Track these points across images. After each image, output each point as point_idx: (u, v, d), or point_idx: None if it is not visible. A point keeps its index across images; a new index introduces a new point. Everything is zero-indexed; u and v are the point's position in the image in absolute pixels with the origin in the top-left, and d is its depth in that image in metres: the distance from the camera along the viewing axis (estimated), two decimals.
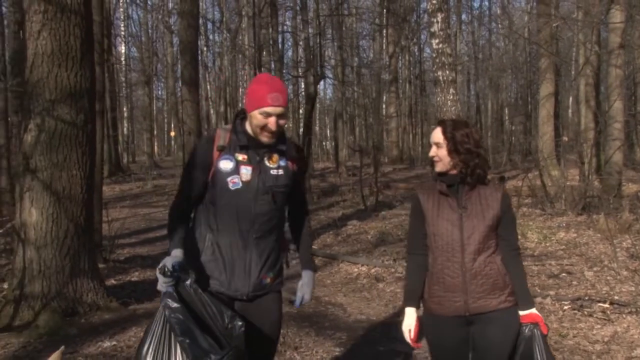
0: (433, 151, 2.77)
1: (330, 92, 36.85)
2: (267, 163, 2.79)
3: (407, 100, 34.89)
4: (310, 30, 17.65)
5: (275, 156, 2.81)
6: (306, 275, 3.01)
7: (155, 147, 44.01)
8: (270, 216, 2.82)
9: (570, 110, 27.89)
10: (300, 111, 36.63)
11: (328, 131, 45.26)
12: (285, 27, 31.61)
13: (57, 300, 5.46)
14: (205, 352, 2.40)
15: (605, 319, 5.39)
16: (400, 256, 8.57)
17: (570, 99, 26.89)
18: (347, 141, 31.55)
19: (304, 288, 2.97)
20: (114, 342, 5.07)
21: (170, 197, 18.41)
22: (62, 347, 3.04)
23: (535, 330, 2.66)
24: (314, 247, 9.54)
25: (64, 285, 5.50)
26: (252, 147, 2.77)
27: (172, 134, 45.96)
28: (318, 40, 16.10)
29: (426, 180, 19.91)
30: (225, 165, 2.74)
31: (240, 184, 2.73)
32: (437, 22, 11.01)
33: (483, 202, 2.69)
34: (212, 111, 40.15)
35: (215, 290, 2.77)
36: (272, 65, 26.35)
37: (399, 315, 5.98)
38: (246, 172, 2.74)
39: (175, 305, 2.48)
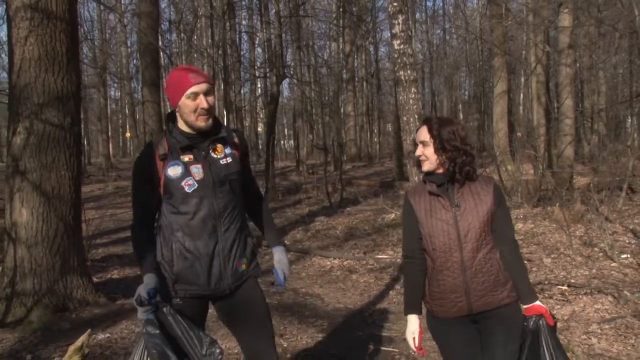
0: (419, 150, 2.72)
1: (287, 91, 37.10)
2: (213, 155, 2.78)
3: (364, 98, 35.45)
4: (272, 31, 17.91)
5: (220, 146, 2.81)
6: (277, 251, 3.01)
7: (110, 149, 43.52)
8: (233, 206, 2.81)
9: (522, 107, 28.81)
10: (259, 110, 37.01)
11: (286, 130, 45.54)
12: (242, 28, 31.74)
13: (48, 296, 5.65)
14: None
15: (564, 300, 5.87)
16: (370, 249, 8.98)
17: (522, 96, 27.79)
18: (307, 140, 31.85)
19: (280, 264, 2.97)
20: (108, 335, 5.30)
21: None
22: (89, 330, 3.30)
23: (541, 322, 2.63)
24: (286, 242, 9.87)
25: (55, 282, 5.69)
26: (194, 145, 2.75)
27: (128, 135, 45.50)
28: (280, 42, 16.35)
29: (385, 176, 20.43)
30: (174, 171, 2.71)
31: (196, 184, 2.71)
32: (399, 23, 11.41)
33: (476, 197, 2.65)
34: (166, 110, 39.89)
35: (197, 295, 2.77)
36: (230, 65, 26.50)
37: (375, 303, 6.44)
38: (197, 170, 2.72)
39: (153, 331, 2.47)
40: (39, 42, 5.65)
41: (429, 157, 2.68)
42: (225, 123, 2.81)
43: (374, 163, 29.34)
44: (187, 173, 2.70)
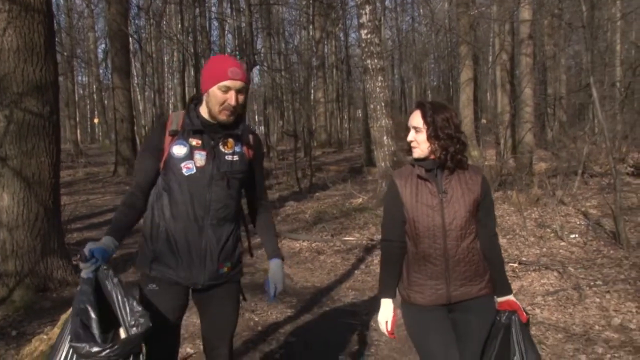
0: (411, 136, 2.63)
1: (257, 78, 37.22)
2: (221, 148, 2.73)
3: (334, 85, 35.76)
4: (242, 19, 18.11)
5: (231, 141, 2.75)
6: (274, 264, 2.96)
7: (78, 135, 43.16)
8: (226, 203, 2.75)
9: (488, 94, 29.44)
10: None
11: (257, 117, 45.68)
12: (212, 14, 31.72)
13: (29, 277, 5.92)
14: (89, 338, 2.28)
15: (514, 276, 6.34)
16: (337, 232, 9.37)
17: (488, 83, 28.39)
18: (278, 126, 32.10)
19: (275, 277, 2.92)
20: None
21: (106, 184, 18.64)
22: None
23: (514, 318, 2.61)
24: (284, 256, 10.22)
25: (36, 264, 5.96)
26: (206, 131, 2.71)
27: (96, 120, 45.14)
28: (250, 29, 16.59)
29: (355, 162, 20.84)
30: (179, 150, 2.68)
31: (195, 170, 2.68)
32: (366, 13, 11.87)
33: (464, 186, 2.60)
34: (139, 97, 39.76)
35: (171, 280, 2.73)
36: (201, 52, 26.55)
37: (341, 281, 6.83)
38: (200, 157, 2.69)
39: (87, 289, 2.40)
40: (17, 34, 5.86)
41: (420, 143, 2.60)
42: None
43: (344, 149, 29.75)
44: (190, 156, 2.68)
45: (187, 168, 2.67)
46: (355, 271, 7.24)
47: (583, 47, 13.22)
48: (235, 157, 2.76)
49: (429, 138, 2.58)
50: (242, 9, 18.19)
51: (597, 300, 5.47)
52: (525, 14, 12.93)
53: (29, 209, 5.92)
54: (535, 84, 17.12)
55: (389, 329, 2.71)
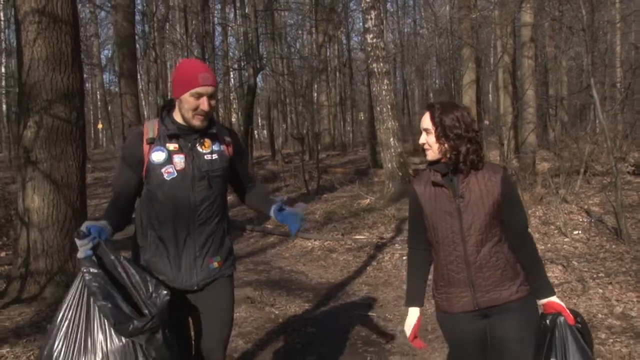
0: (422, 138, 2.59)
1: (261, 82, 37.55)
2: (199, 149, 2.76)
3: (337, 88, 36.06)
4: (248, 25, 18.45)
5: (207, 141, 2.79)
6: (299, 206, 3.01)
7: None
8: (211, 202, 2.78)
9: (490, 96, 29.70)
10: (232, 101, 37.41)
11: (260, 120, 45.98)
12: (215, 20, 32.08)
13: (59, 275, 6.21)
14: (127, 317, 2.35)
15: None
16: (348, 231, 9.67)
17: (491, 84, 28.67)
18: (282, 129, 32.43)
19: (297, 208, 2.96)
20: None
21: None
22: None
23: (559, 320, 2.45)
24: (268, 226, 10.53)
25: (65, 262, 6.25)
26: (182, 135, 2.74)
27: (100, 126, 45.46)
28: (256, 35, 16.91)
29: (360, 164, 21.13)
30: (158, 157, 2.71)
31: (176, 173, 2.71)
32: (371, 18, 12.19)
33: (482, 188, 2.50)
34: (143, 103, 40.12)
35: (167, 286, 2.67)
36: (206, 57, 26.87)
37: (354, 277, 7.13)
38: (180, 160, 2.72)
39: (95, 270, 2.40)
40: (46, 44, 6.17)
41: (431, 145, 2.54)
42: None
43: (347, 152, 29.99)
44: (169, 161, 2.71)
45: (168, 172, 2.71)
46: (367, 268, 7.54)
47: (584, 49, 13.52)
48: (215, 156, 2.80)
49: (438, 139, 2.51)
50: (247, 15, 18.50)
51: (600, 291, 5.76)
52: (527, 17, 13.24)
53: (58, 210, 6.22)
54: (537, 85, 17.41)
55: (411, 334, 2.69)
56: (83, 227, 2.49)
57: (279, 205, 2.98)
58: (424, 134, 2.58)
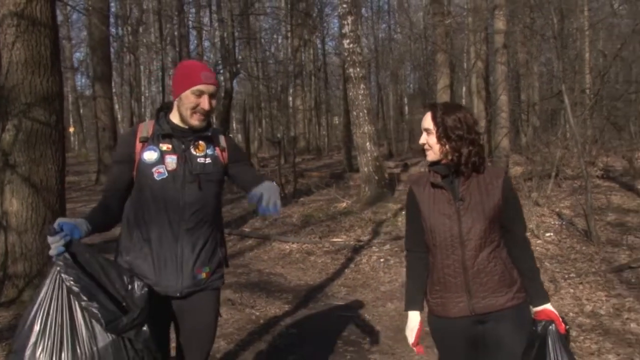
0: (423, 138, 2.53)
1: (236, 85, 37.50)
2: (193, 151, 2.71)
3: (312, 92, 36.21)
4: (224, 30, 18.48)
5: (202, 144, 2.73)
6: (267, 182, 2.64)
7: None
8: (201, 205, 2.70)
9: (464, 101, 30.07)
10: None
11: (234, 124, 45.90)
12: (190, 23, 32.02)
13: (38, 278, 6.17)
14: (115, 314, 2.31)
15: None
16: (325, 234, 9.77)
17: (464, 89, 29.06)
18: (258, 133, 32.44)
19: (262, 188, 2.56)
20: None
21: (89, 193, 18.82)
22: None
23: (551, 328, 2.42)
24: (245, 229, 10.59)
25: (44, 265, 6.21)
26: (176, 135, 2.70)
27: (71, 129, 44.96)
28: (232, 39, 16.96)
29: (335, 168, 21.27)
30: (150, 155, 2.66)
31: (166, 174, 2.65)
32: (348, 24, 12.34)
33: (483, 191, 2.45)
34: (117, 107, 39.79)
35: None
36: (179, 61, 26.79)
37: (332, 279, 7.22)
38: (171, 161, 2.66)
39: (72, 270, 2.32)
40: (25, 47, 6.16)
41: (432, 146, 2.49)
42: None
43: (323, 155, 30.17)
44: (161, 161, 2.66)
45: (159, 173, 2.65)
46: (346, 270, 7.64)
47: (554, 55, 13.82)
48: (208, 160, 2.73)
49: (439, 140, 2.45)
50: (224, 19, 18.55)
51: (572, 290, 5.94)
52: (500, 24, 13.52)
53: (37, 214, 6.21)
54: (510, 90, 17.73)
55: (413, 340, 2.63)
56: (55, 224, 2.40)
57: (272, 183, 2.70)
58: (424, 134, 2.52)
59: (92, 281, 2.35)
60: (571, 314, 5.35)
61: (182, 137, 2.71)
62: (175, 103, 2.71)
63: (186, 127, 2.70)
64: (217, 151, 2.78)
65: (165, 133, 2.70)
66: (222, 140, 2.83)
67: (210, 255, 2.76)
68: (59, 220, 2.43)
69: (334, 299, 6.44)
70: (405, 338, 2.67)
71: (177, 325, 2.80)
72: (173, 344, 2.84)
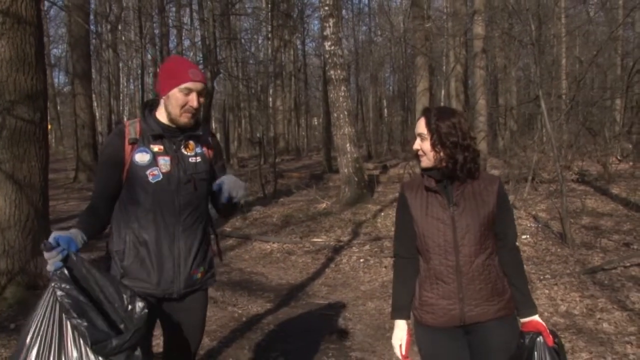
0: (417, 144, 2.48)
1: (215, 85, 37.39)
2: (184, 151, 2.69)
3: (292, 93, 36.32)
4: (205, 29, 18.51)
5: (192, 143, 2.72)
6: (227, 175, 2.73)
7: None
8: (195, 205, 2.70)
9: (443, 104, 30.36)
10: None
11: (213, 123, 45.81)
12: (170, 22, 31.93)
13: (20, 275, 6.20)
14: (105, 334, 2.20)
15: None
16: (305, 234, 9.87)
17: (443, 93, 29.34)
18: (237, 133, 32.45)
19: (230, 180, 2.64)
20: None
21: (68, 191, 18.70)
22: None
23: (539, 340, 2.37)
24: (226, 228, 10.64)
25: (27, 263, 6.24)
26: (166, 136, 2.66)
27: (49, 127, 44.51)
28: (214, 39, 17.00)
29: (315, 169, 21.38)
30: (142, 158, 2.61)
31: (161, 176, 2.62)
32: (329, 26, 12.45)
33: (477, 197, 2.42)
34: (95, 104, 39.49)
35: (144, 293, 2.58)
36: (160, 59, 26.75)
37: (313, 279, 7.31)
38: (165, 162, 2.63)
39: (66, 285, 2.23)
40: (10, 44, 6.17)
41: (426, 152, 2.45)
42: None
43: (302, 156, 30.28)
44: (154, 163, 2.61)
45: (153, 175, 2.60)
46: (326, 269, 7.74)
47: (532, 61, 14.07)
48: (198, 159, 2.72)
49: (433, 146, 2.41)
50: (205, 19, 18.57)
51: (547, 291, 6.11)
52: (479, 29, 13.75)
53: (20, 210, 6.22)
54: (488, 94, 17.99)
55: (404, 352, 2.55)
56: (51, 239, 2.32)
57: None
58: (418, 140, 2.48)
59: (86, 297, 2.26)
60: (546, 314, 5.51)
61: (172, 137, 2.67)
62: (162, 101, 2.66)
63: (175, 126, 2.67)
64: (205, 149, 2.78)
65: (157, 134, 2.65)
66: (209, 137, 2.83)
67: (204, 255, 2.77)
68: (55, 234, 2.37)
69: (315, 298, 6.54)
70: (384, 336, 2.67)
71: (165, 324, 2.78)
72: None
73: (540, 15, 16.74)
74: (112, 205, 2.69)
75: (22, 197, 6.22)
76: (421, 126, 2.46)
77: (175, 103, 2.59)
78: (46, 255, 2.29)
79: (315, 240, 9.39)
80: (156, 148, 2.64)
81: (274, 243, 9.41)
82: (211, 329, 5.33)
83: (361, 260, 8.02)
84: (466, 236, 2.38)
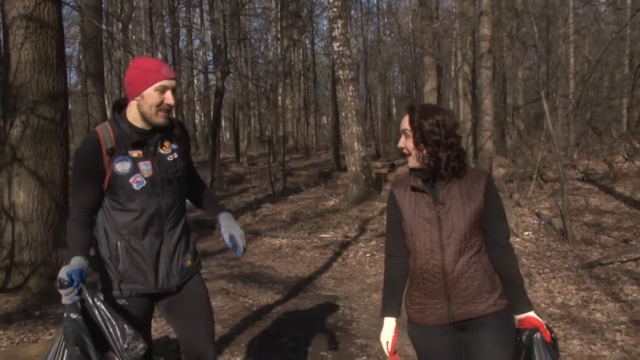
0: (401, 142, 2.47)
1: (225, 84, 37.72)
2: (161, 151, 2.70)
3: (301, 92, 36.56)
4: (217, 30, 18.81)
5: (167, 142, 2.73)
6: (224, 217, 2.89)
7: None
8: (179, 202, 2.77)
9: (451, 103, 30.53)
10: (196, 103, 37.68)
11: (223, 122, 46.15)
12: (181, 22, 32.28)
13: (43, 267, 6.54)
14: None
15: None
16: (314, 230, 10.16)
17: (451, 92, 29.47)
18: (247, 132, 32.77)
19: (232, 229, 2.82)
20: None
21: None
22: None
23: (536, 337, 2.33)
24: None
25: (48, 255, 6.58)
26: (143, 140, 2.65)
27: None
28: (224, 39, 17.31)
29: (323, 167, 21.64)
30: (123, 167, 2.60)
31: (145, 182, 2.63)
32: (338, 27, 12.72)
33: (464, 195, 2.38)
34: (106, 102, 39.85)
35: (144, 293, 2.68)
36: (172, 59, 27.10)
37: (321, 272, 7.59)
38: (146, 167, 2.64)
39: (75, 316, 2.32)
40: (33, 48, 6.50)
41: (409, 150, 2.43)
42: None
43: (311, 155, 30.48)
44: (135, 170, 2.62)
45: (137, 182, 2.62)
46: (333, 263, 8.03)
47: (537, 62, 14.25)
48: (175, 155, 2.75)
49: (416, 144, 2.40)
50: (216, 19, 18.87)
51: (545, 284, 6.37)
52: (485, 30, 13.96)
53: (42, 205, 6.55)
54: (496, 94, 18.19)
55: (389, 349, 2.55)
56: (64, 275, 2.35)
57: (228, 214, 2.94)
58: (402, 137, 2.47)
59: (90, 330, 2.34)
60: (542, 305, 5.77)
61: (149, 140, 2.67)
62: (134, 103, 2.63)
63: (149, 127, 2.66)
64: (179, 144, 2.80)
65: (134, 141, 2.65)
66: (179, 130, 2.83)
67: (187, 242, 2.83)
68: (67, 269, 2.39)
69: (323, 290, 6.82)
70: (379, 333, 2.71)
71: (173, 319, 2.86)
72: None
73: (548, 15, 16.93)
74: (96, 214, 2.71)
75: (44, 192, 6.56)
76: (405, 123, 2.44)
77: (152, 102, 2.58)
78: (62, 292, 2.35)
79: (323, 235, 9.68)
80: (135, 154, 2.64)
81: (283, 238, 9.71)
82: (223, 318, 5.62)
83: (367, 254, 8.29)
84: (452, 235, 2.36)
